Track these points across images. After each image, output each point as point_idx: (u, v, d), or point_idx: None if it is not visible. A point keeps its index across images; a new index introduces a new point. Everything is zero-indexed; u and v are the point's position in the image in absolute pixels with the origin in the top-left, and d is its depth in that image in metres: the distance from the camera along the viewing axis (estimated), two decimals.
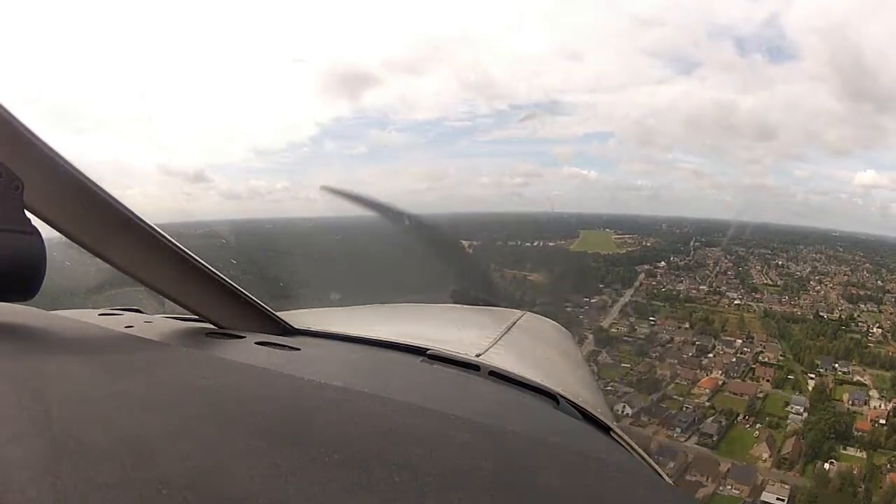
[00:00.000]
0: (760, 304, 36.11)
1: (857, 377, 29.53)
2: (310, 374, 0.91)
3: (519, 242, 40.63)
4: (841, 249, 37.69)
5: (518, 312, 2.01)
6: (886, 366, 29.57)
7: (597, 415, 1.11)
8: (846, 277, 35.99)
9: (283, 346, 1.10)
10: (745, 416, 28.32)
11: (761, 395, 29.48)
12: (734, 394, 29.84)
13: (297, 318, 1.37)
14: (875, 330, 32.22)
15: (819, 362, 30.60)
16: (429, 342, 1.24)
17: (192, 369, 0.89)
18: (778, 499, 23.13)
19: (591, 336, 33.21)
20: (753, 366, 31.69)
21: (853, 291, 34.79)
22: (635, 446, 1.07)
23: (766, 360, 32.05)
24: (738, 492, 23.82)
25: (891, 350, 30.39)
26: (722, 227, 41.34)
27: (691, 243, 40.53)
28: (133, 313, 1.39)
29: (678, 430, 27.15)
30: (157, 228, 1.01)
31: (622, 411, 26.68)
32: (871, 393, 28.19)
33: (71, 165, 0.89)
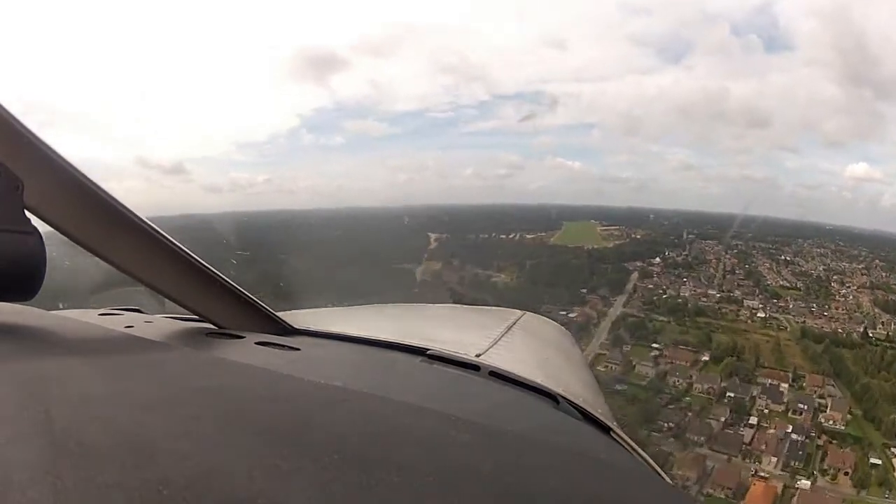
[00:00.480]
0: (788, 316, 30.49)
1: None
2: (310, 374, 0.91)
3: (493, 235, 37.82)
4: (841, 244, 34.41)
5: (518, 312, 2.01)
6: None
7: (597, 415, 1.11)
8: (865, 278, 31.80)
9: (283, 346, 1.10)
10: None
11: None
12: None
13: (297, 318, 1.37)
14: None
15: None
16: (429, 342, 1.24)
17: (192, 369, 0.89)
18: None
19: None
20: (819, 441, 21.75)
21: (883, 297, 29.93)
22: (635, 446, 1.07)
23: (831, 423, 22.76)
24: None
25: None
26: (712, 219, 38.49)
27: (685, 236, 37.11)
28: (133, 313, 1.39)
29: None
30: (157, 228, 1.01)
31: None
32: None
33: (71, 165, 0.89)
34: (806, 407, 23.81)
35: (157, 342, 1.06)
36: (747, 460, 21.83)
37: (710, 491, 19.41)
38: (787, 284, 32.72)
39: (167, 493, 0.49)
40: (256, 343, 1.09)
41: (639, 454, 1.06)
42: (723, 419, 23.60)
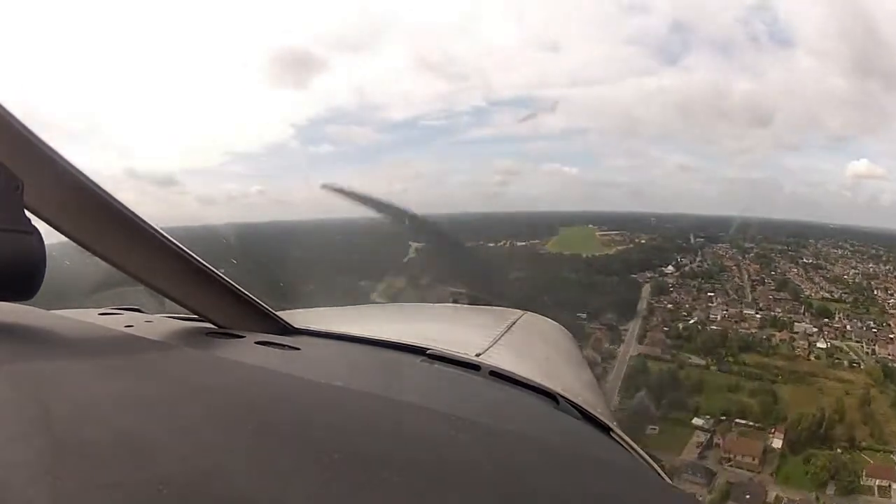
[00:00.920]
0: (852, 343, 24.02)
1: None
2: (310, 374, 0.91)
3: (480, 244, 33.95)
4: (856, 244, 30.66)
5: (518, 312, 2.01)
6: None
7: (597, 415, 1.11)
8: None
9: (283, 346, 1.10)
10: None
11: None
12: None
13: (297, 317, 1.37)
14: None
15: None
16: (429, 342, 1.24)
17: (192, 369, 0.89)
18: None
19: None
20: None
21: None
22: (635, 446, 1.07)
23: None
24: None
25: None
26: (714, 222, 35.45)
27: (692, 240, 33.81)
28: (133, 313, 1.39)
29: None
30: (157, 228, 1.01)
31: None
32: None
33: (71, 165, 0.89)
34: None
35: (157, 342, 1.06)
36: None
37: None
38: (829, 295, 27.52)
39: (167, 493, 0.49)
40: (256, 343, 1.09)
41: (638, 454, 1.06)
42: None
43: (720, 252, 32.41)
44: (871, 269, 28.93)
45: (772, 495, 17.36)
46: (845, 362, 23.24)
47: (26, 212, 0.87)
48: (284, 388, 0.82)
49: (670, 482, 0.98)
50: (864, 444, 19.16)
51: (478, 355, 1.27)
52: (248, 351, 1.06)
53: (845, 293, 27.39)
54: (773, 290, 28.79)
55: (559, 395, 1.10)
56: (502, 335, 1.57)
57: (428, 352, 1.19)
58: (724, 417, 20.67)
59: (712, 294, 28.73)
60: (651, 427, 19.39)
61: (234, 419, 0.67)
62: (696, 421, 20.00)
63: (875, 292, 27.21)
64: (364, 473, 0.57)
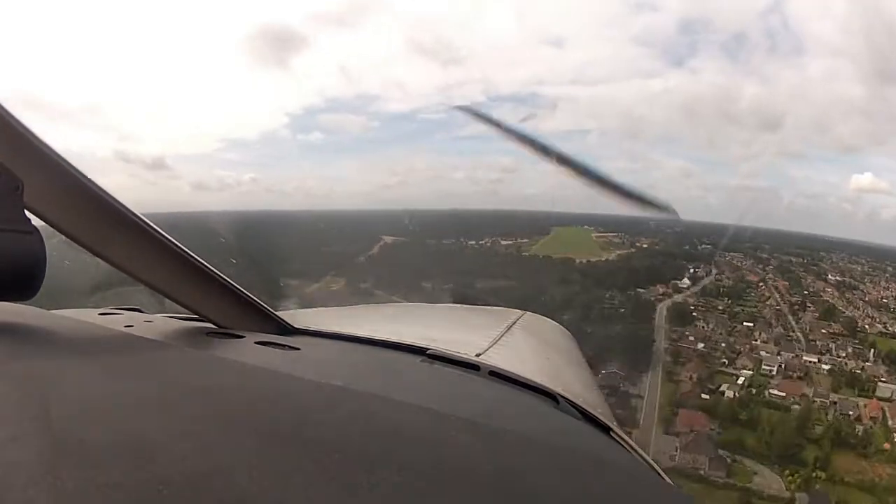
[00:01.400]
0: None
1: None
2: (310, 374, 0.91)
3: (459, 240, 31.31)
4: (869, 260, 28.46)
5: (518, 312, 2.01)
6: None
7: (597, 415, 1.11)
8: None
9: (282, 346, 1.10)
10: None
11: None
12: None
13: (297, 317, 1.37)
14: None
15: None
16: (429, 342, 1.24)
17: (192, 369, 0.89)
18: None
19: None
20: None
21: None
22: (635, 446, 1.07)
23: None
24: None
25: None
26: (716, 230, 32.27)
27: (699, 246, 29.75)
28: (133, 313, 1.39)
29: None
30: (157, 228, 1.01)
31: None
32: None
33: (71, 165, 0.89)
34: None
35: (157, 342, 1.06)
36: None
37: None
38: (884, 328, 22.88)
39: (167, 493, 0.50)
40: (256, 343, 1.09)
41: (639, 454, 1.06)
42: None
43: (735, 262, 29.00)
44: None
45: None
46: None
47: (26, 212, 0.87)
48: (284, 388, 0.82)
49: (670, 482, 0.98)
50: None
51: (478, 355, 1.27)
52: (248, 351, 1.06)
53: None
54: (819, 318, 24.15)
55: (559, 395, 1.10)
56: (502, 335, 1.57)
57: (428, 352, 1.19)
58: None
59: (750, 325, 23.71)
60: None
61: (234, 419, 0.67)
62: None
63: None
64: (364, 473, 0.57)
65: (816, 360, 21.86)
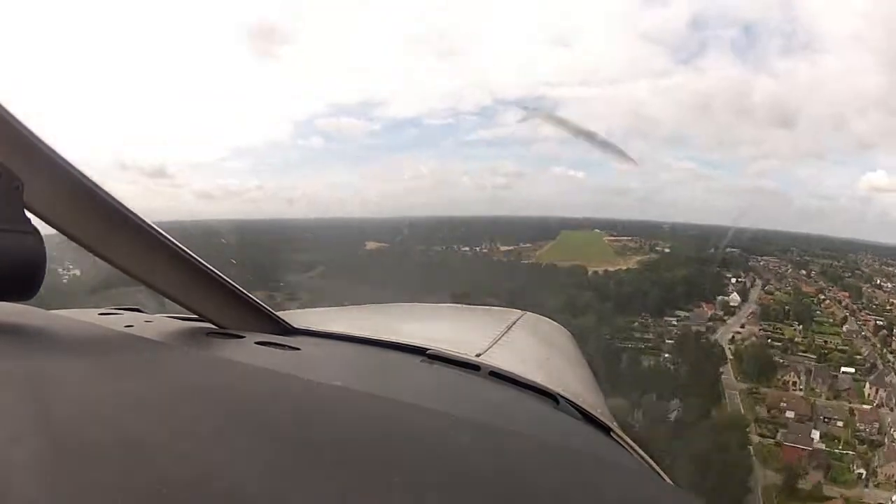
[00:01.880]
0: None
1: None
2: (310, 374, 0.91)
3: (451, 247, 28.05)
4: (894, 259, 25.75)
5: (518, 312, 2.01)
6: None
7: (597, 415, 1.11)
8: None
9: (283, 346, 1.10)
10: None
11: None
12: None
13: (297, 317, 1.37)
14: None
15: None
16: (429, 342, 1.24)
17: (192, 369, 0.89)
18: None
19: None
20: None
21: None
22: (635, 446, 1.07)
23: None
24: None
25: None
26: (733, 233, 28.60)
27: (726, 250, 25.63)
28: (133, 313, 1.39)
29: None
30: (157, 228, 1.01)
31: None
32: None
33: (71, 165, 0.89)
34: None
35: (157, 342, 1.06)
36: None
37: None
38: None
39: (167, 493, 0.50)
40: (256, 343, 1.09)
41: (639, 454, 1.06)
42: None
43: (774, 268, 25.53)
44: None
45: None
46: None
47: (26, 212, 0.87)
48: (284, 389, 0.82)
49: (671, 482, 0.98)
50: None
51: (478, 355, 1.27)
52: (248, 351, 1.06)
53: None
54: None
55: (559, 395, 1.10)
56: (502, 335, 1.57)
57: (428, 352, 1.19)
58: None
59: (850, 371, 15.82)
60: None
61: (234, 419, 0.67)
62: None
63: None
64: (364, 473, 0.57)
65: None
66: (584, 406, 1.11)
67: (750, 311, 21.73)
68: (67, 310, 1.35)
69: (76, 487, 0.49)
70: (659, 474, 1.05)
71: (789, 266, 26.16)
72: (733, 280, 23.03)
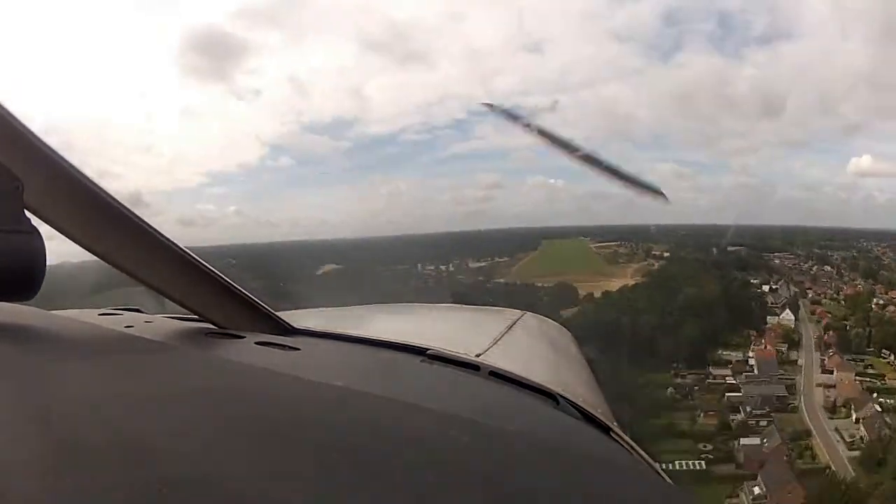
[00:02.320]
0: None
1: None
2: (310, 374, 0.91)
3: (418, 266, 24.81)
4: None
5: (518, 312, 2.01)
6: None
7: (597, 415, 1.11)
8: None
9: (283, 346, 1.10)
10: None
11: None
12: None
13: (297, 318, 1.37)
14: None
15: None
16: (429, 342, 1.24)
17: (192, 369, 0.90)
18: None
19: None
20: None
21: None
22: (635, 446, 1.07)
23: None
24: None
25: None
26: (723, 230, 25.27)
27: (728, 249, 21.79)
28: (133, 313, 1.39)
29: None
30: (157, 229, 1.01)
31: None
32: None
33: (71, 165, 0.89)
34: None
35: (157, 342, 1.06)
36: None
37: None
38: None
39: (167, 493, 0.50)
40: (256, 343, 1.09)
41: (638, 454, 1.06)
42: None
43: (801, 267, 20.99)
44: None
45: None
46: None
47: (26, 212, 0.87)
48: (284, 389, 0.82)
49: (670, 482, 0.98)
50: None
51: (478, 355, 1.27)
52: (248, 351, 1.06)
53: None
54: None
55: (559, 395, 1.10)
56: (502, 335, 1.57)
57: (428, 352, 1.19)
58: None
59: None
60: None
61: (234, 419, 0.67)
62: None
63: None
64: (364, 473, 0.57)
65: None
66: (584, 406, 1.11)
67: (814, 335, 15.92)
68: (67, 310, 1.35)
69: (76, 487, 0.49)
70: (659, 474, 1.05)
71: (810, 262, 22.20)
72: (765, 287, 18.17)
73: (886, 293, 20.13)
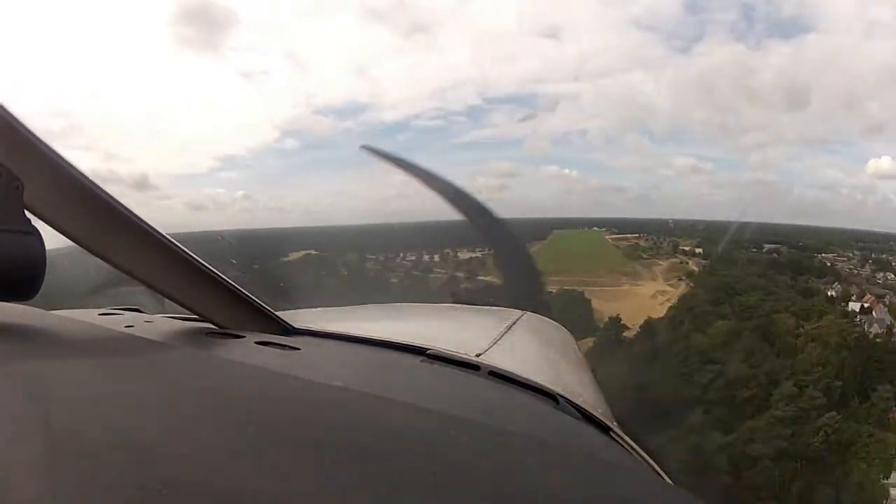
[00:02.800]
0: None
1: None
2: (310, 374, 0.91)
3: (401, 255, 23.12)
4: None
5: (518, 312, 2.01)
6: None
7: (597, 415, 1.11)
8: None
9: (283, 346, 1.10)
10: None
11: None
12: None
13: (297, 317, 1.37)
14: None
15: None
16: (429, 342, 1.24)
17: (192, 369, 0.90)
18: None
19: None
20: None
21: None
22: (635, 446, 1.07)
23: None
24: None
25: None
26: (738, 228, 21.87)
27: (763, 248, 19.74)
28: (133, 313, 1.39)
29: None
30: (157, 228, 1.01)
31: None
32: None
33: (71, 165, 0.89)
34: None
35: (157, 342, 1.06)
36: None
37: None
38: None
39: (167, 493, 0.50)
40: (256, 343, 1.09)
41: (639, 454, 1.06)
42: None
43: (856, 271, 18.18)
44: None
45: None
46: None
47: (26, 212, 0.87)
48: (284, 389, 0.82)
49: (671, 482, 0.98)
50: None
51: (478, 355, 1.28)
52: (248, 351, 1.06)
53: None
54: None
55: (559, 395, 1.10)
56: (502, 335, 1.57)
57: (428, 352, 1.19)
58: None
59: None
60: None
61: (234, 419, 0.67)
62: None
63: None
64: (364, 474, 0.57)
65: None
66: (584, 406, 1.11)
67: None
68: (67, 310, 1.35)
69: (76, 488, 0.49)
70: (659, 474, 1.05)
71: (868, 267, 19.40)
72: (854, 305, 15.64)
73: None
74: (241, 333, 1.14)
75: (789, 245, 20.08)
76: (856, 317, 16.82)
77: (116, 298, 1.67)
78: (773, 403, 14.50)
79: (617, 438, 1.07)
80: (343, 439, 0.64)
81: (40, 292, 0.92)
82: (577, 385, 1.37)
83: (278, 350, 1.08)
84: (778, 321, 15.78)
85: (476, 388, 1.08)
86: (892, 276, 18.75)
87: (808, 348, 15.41)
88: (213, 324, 1.18)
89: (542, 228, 22.47)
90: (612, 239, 21.32)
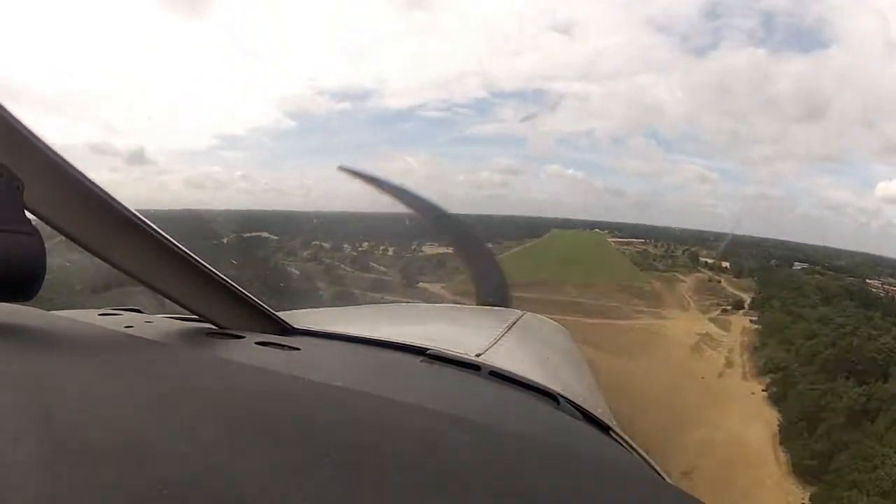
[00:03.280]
0: None
1: None
2: (310, 374, 0.91)
3: (380, 247, 22.90)
4: None
5: (518, 312, 2.01)
6: None
7: (597, 415, 1.11)
8: None
9: (283, 346, 1.10)
10: None
11: None
12: None
13: (297, 318, 1.37)
14: None
15: None
16: (429, 342, 1.24)
17: (192, 369, 0.90)
18: None
19: None
20: None
21: None
22: (635, 446, 1.07)
23: None
24: None
25: None
26: (745, 242, 22.52)
27: (793, 266, 19.09)
28: (133, 313, 1.39)
29: None
30: (157, 228, 1.01)
31: None
32: None
33: (71, 165, 0.89)
34: None
35: (157, 342, 1.06)
36: None
37: None
38: None
39: (167, 493, 0.50)
40: (256, 343, 1.09)
41: (639, 454, 1.06)
42: None
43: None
44: None
45: None
46: None
47: (26, 212, 0.87)
48: (284, 389, 0.82)
49: (671, 482, 0.98)
50: None
51: (478, 355, 1.28)
52: (248, 351, 1.06)
53: None
54: None
55: (559, 395, 1.10)
56: (502, 335, 1.57)
57: (428, 352, 1.19)
58: None
59: None
60: None
61: (234, 419, 0.67)
62: None
63: None
64: (364, 474, 0.57)
65: None
66: (584, 406, 1.11)
67: None
68: (67, 310, 1.35)
69: (76, 488, 0.49)
70: (659, 474, 1.05)
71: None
72: None
73: None
74: (241, 333, 1.14)
75: (822, 266, 18.48)
76: None
77: (116, 298, 1.67)
78: None
79: (617, 438, 1.07)
80: (343, 439, 0.64)
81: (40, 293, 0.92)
82: (577, 385, 1.37)
83: (278, 350, 1.08)
84: None
85: (476, 388, 1.08)
86: None
87: None
88: (213, 324, 1.17)
89: (540, 226, 21.47)
90: (615, 242, 19.87)
